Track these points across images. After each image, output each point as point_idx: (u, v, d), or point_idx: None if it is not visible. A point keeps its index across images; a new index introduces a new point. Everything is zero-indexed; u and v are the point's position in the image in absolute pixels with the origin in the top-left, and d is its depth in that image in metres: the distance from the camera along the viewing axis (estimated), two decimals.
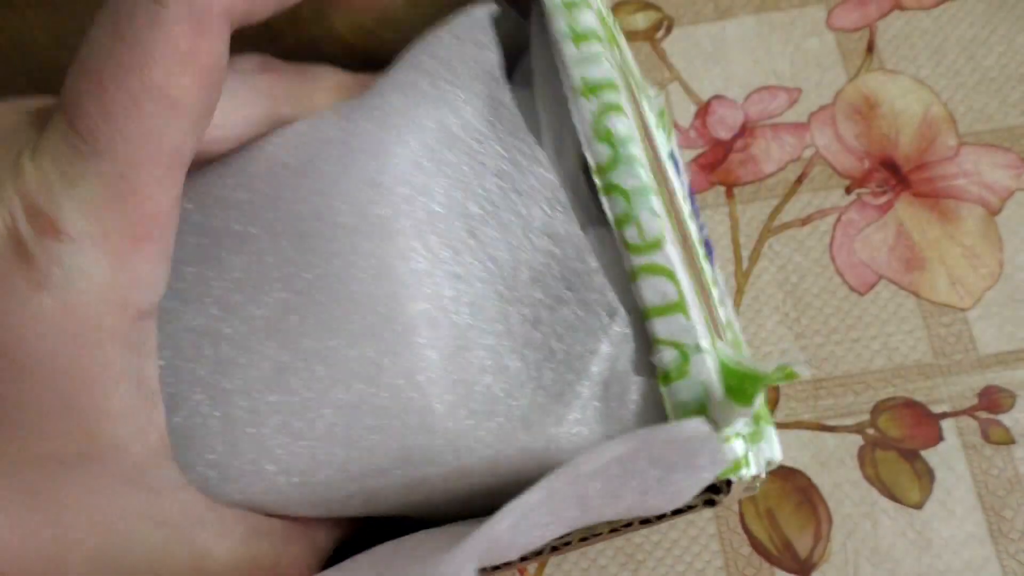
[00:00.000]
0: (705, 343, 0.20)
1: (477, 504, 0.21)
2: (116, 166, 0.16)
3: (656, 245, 0.20)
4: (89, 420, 0.17)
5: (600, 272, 0.21)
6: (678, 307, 0.20)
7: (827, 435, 0.38)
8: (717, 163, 0.43)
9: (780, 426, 0.39)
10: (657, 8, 0.47)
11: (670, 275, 0.20)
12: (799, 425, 0.39)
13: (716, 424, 0.19)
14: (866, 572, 0.36)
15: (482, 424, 0.20)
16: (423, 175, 0.21)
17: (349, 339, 0.20)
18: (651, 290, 0.20)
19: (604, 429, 0.20)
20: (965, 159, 0.42)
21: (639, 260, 0.20)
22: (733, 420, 0.19)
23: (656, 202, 0.20)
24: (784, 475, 0.38)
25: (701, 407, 0.19)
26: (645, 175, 0.21)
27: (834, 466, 0.38)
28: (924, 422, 0.38)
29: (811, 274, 0.41)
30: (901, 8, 0.46)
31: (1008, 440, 0.37)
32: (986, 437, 0.38)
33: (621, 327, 0.21)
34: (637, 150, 0.21)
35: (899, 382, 0.39)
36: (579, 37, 0.22)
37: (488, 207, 0.21)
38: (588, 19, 0.22)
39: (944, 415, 0.38)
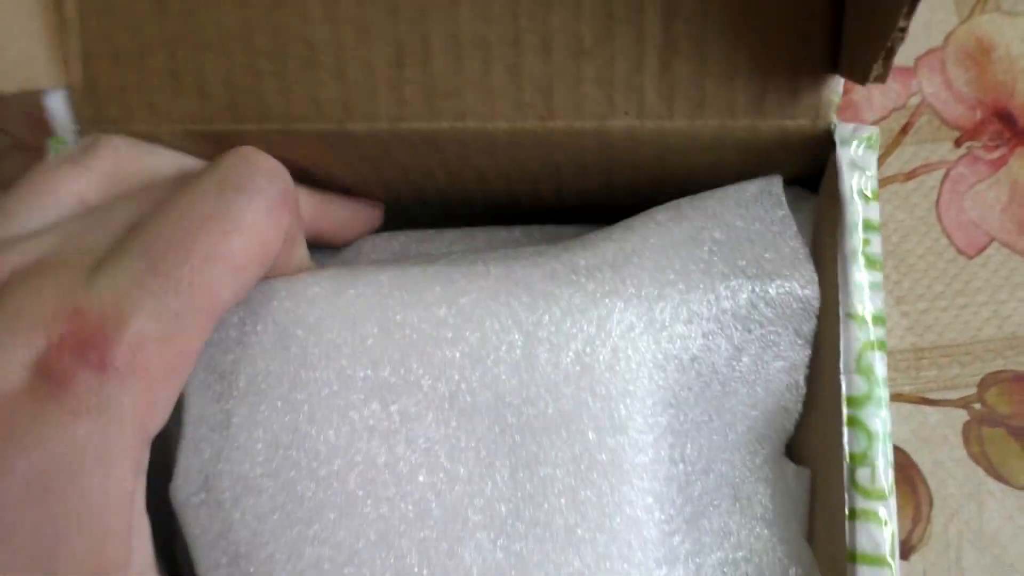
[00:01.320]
0: None
1: None
2: (175, 308, 0.18)
3: (883, 496, 0.21)
4: (101, 541, 0.17)
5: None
6: (886, 562, 0.21)
7: (929, 409, 0.35)
8: None
9: None
10: None
11: (888, 527, 0.21)
12: (899, 398, 0.36)
13: None
14: (970, 557, 0.33)
15: None
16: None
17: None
18: (867, 538, 0.21)
19: None
20: None
21: (863, 504, 0.21)
22: None
23: (891, 453, 0.22)
24: None
25: None
26: (888, 421, 0.22)
27: (936, 443, 0.35)
28: None
29: (915, 233, 0.38)
30: None
31: None
32: None
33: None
34: (885, 394, 0.22)
35: (1010, 354, 0.36)
36: (870, 262, 0.22)
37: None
38: (877, 246, 0.23)
39: None
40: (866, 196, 0.23)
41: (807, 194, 0.26)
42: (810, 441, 0.25)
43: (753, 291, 0.23)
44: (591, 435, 0.21)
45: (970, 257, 0.37)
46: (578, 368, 0.22)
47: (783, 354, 0.24)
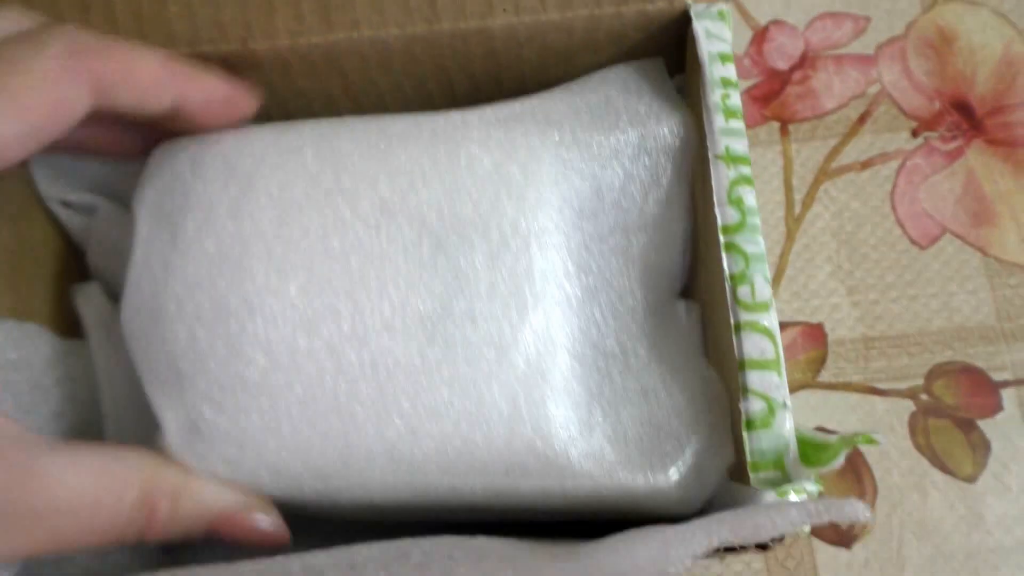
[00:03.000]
0: (789, 403, 0.23)
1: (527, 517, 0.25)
2: None
3: (764, 307, 0.23)
4: None
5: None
6: (773, 365, 0.23)
7: (877, 399, 0.36)
8: (772, 96, 0.39)
9: (827, 387, 0.36)
10: None
11: (771, 336, 0.23)
12: (847, 387, 0.36)
13: (788, 477, 0.22)
14: (911, 547, 0.34)
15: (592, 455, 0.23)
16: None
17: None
18: (752, 345, 0.23)
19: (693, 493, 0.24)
20: None
21: (746, 316, 0.23)
22: (802, 479, 0.22)
23: (767, 271, 0.24)
24: None
25: (779, 459, 0.22)
26: (763, 245, 0.24)
27: (883, 432, 0.35)
28: (983, 390, 0.35)
29: (869, 223, 0.38)
30: None
31: None
32: None
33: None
34: (758, 221, 0.24)
35: (959, 345, 0.36)
36: (729, 112, 0.25)
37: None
38: (736, 99, 0.26)
39: (1005, 384, 0.35)
40: (722, 58, 0.26)
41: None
42: (699, 281, 0.28)
43: (643, 128, 0.27)
44: (508, 230, 0.24)
45: (923, 248, 0.37)
46: (495, 175, 0.25)
47: (669, 189, 0.27)
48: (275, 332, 0.23)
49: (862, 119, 0.39)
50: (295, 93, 0.28)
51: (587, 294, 0.25)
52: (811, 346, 0.36)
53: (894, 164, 0.38)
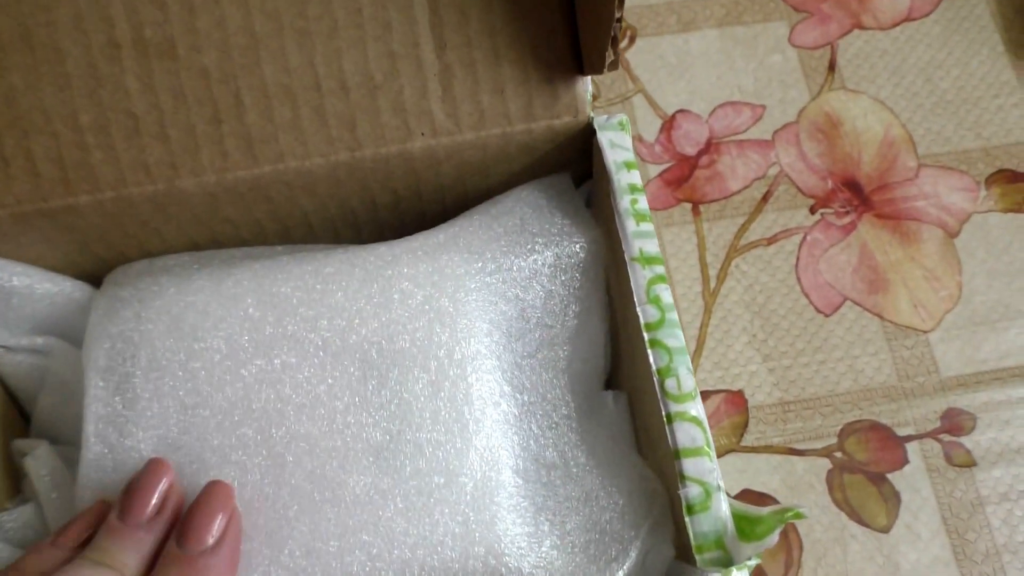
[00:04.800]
0: (723, 484, 0.24)
1: None
2: None
3: (690, 397, 0.25)
4: None
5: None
6: (704, 451, 0.24)
7: (796, 459, 0.38)
8: (683, 179, 0.43)
9: (750, 450, 0.38)
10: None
11: (700, 424, 0.25)
12: (769, 449, 0.38)
13: (729, 555, 0.23)
14: None
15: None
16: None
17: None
18: (684, 435, 0.24)
19: None
20: (924, 181, 0.43)
21: (676, 407, 0.25)
22: (743, 557, 0.23)
23: (689, 362, 0.25)
24: (754, 501, 0.37)
25: (719, 539, 0.24)
26: (682, 338, 0.26)
27: (804, 490, 0.38)
28: (890, 445, 0.38)
29: (778, 294, 0.41)
30: (861, 27, 0.46)
31: (970, 463, 0.38)
32: (949, 460, 0.38)
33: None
34: (676, 316, 0.26)
35: (865, 404, 0.39)
36: (639, 216, 0.27)
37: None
38: (644, 203, 0.27)
39: (909, 438, 0.38)
40: (627, 166, 0.28)
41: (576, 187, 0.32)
42: (623, 371, 0.29)
43: (557, 247, 0.28)
44: (444, 359, 0.25)
45: (827, 316, 0.40)
46: (426, 307, 0.26)
47: (586, 300, 0.29)
48: (243, 479, 0.24)
49: (765, 198, 0.42)
50: (222, 220, 0.28)
51: (524, 411, 0.27)
52: (733, 412, 0.39)
53: (796, 239, 0.42)
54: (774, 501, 0.37)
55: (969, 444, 0.38)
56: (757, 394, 0.39)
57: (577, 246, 0.29)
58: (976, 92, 0.44)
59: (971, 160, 0.43)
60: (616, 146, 0.28)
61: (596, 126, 0.29)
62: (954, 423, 0.39)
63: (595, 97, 0.30)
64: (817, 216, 0.42)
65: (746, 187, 0.43)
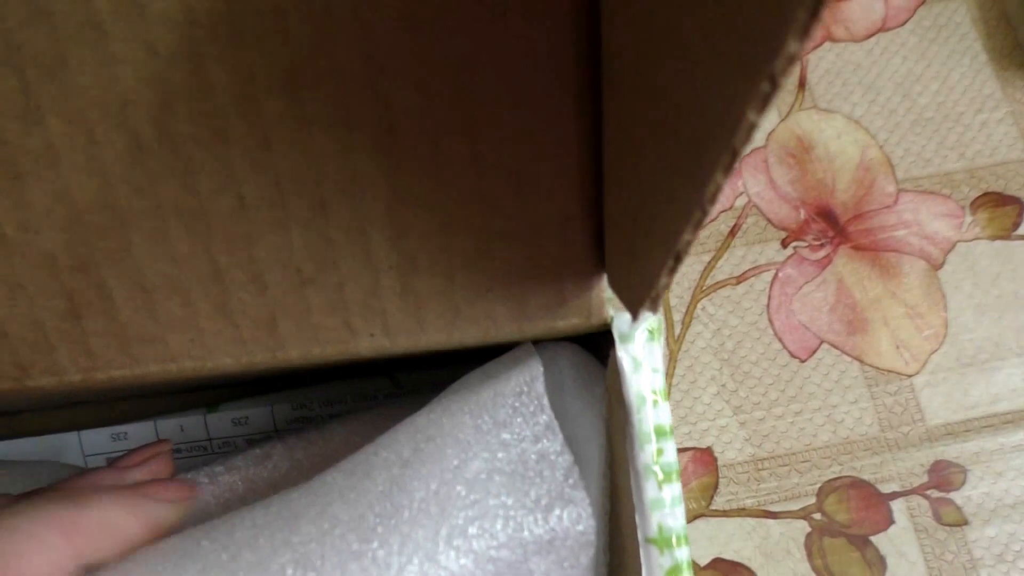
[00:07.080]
0: None
1: None
2: None
3: None
4: None
5: None
6: None
7: (771, 522, 0.35)
8: None
9: (721, 514, 0.35)
10: None
11: None
12: (742, 513, 0.35)
13: None
14: None
15: None
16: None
17: None
18: None
19: None
20: (904, 207, 0.39)
21: None
22: None
23: None
24: (727, 570, 0.34)
25: None
26: None
27: (780, 557, 0.34)
28: (873, 503, 0.35)
29: (748, 339, 0.37)
30: (832, 39, 0.42)
31: (960, 521, 0.35)
32: (938, 518, 0.35)
33: None
34: None
35: (845, 459, 0.36)
36: (664, 475, 0.20)
37: None
38: (671, 453, 0.20)
39: (894, 495, 0.35)
40: (655, 397, 0.21)
41: (598, 367, 0.24)
42: None
43: (534, 522, 0.21)
44: None
45: (802, 360, 0.37)
46: None
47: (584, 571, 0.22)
48: None
49: (732, 232, 0.39)
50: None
51: None
52: (702, 472, 0.36)
53: (767, 276, 0.38)
54: (748, 570, 0.34)
55: (959, 500, 0.35)
56: (728, 451, 0.36)
57: (571, 515, 0.21)
58: (958, 107, 0.41)
59: (954, 183, 0.40)
60: (641, 367, 0.21)
61: (616, 334, 0.21)
62: (942, 477, 0.35)
63: None
64: (789, 250, 0.39)
65: (711, 220, 0.39)
